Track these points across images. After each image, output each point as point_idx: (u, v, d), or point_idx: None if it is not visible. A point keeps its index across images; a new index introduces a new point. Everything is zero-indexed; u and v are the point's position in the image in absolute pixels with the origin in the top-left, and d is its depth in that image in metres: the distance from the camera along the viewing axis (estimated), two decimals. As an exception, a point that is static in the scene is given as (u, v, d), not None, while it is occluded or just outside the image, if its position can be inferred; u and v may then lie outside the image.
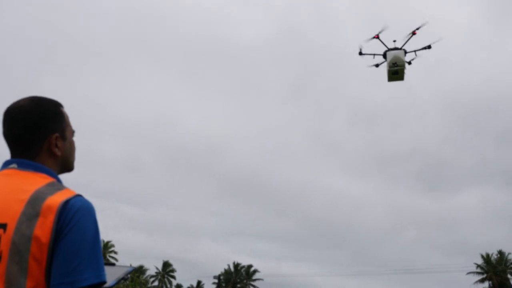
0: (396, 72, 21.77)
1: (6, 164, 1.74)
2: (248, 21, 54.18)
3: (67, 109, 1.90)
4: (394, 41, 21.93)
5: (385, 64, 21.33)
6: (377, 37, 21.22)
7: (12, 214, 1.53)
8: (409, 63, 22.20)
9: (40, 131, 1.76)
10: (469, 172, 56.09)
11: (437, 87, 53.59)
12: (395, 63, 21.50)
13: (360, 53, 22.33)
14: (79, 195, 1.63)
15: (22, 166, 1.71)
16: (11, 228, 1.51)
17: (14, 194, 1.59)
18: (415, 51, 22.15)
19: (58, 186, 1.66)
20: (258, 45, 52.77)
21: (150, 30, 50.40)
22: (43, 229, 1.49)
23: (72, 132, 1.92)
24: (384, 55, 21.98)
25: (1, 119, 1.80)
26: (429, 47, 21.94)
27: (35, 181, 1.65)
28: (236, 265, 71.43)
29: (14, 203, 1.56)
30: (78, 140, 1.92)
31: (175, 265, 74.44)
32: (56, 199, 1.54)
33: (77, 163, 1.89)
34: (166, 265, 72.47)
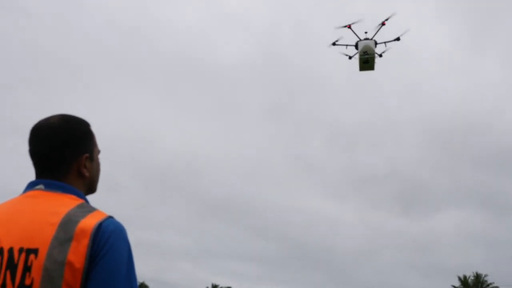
0: (366, 61, 22.82)
1: (32, 185, 1.67)
2: (228, 41, 55.10)
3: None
4: (366, 32, 23.10)
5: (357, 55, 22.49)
6: (349, 27, 22.37)
7: (43, 239, 1.46)
8: (380, 55, 23.36)
9: (71, 151, 1.70)
10: (445, 194, 57.03)
11: (413, 110, 55.06)
12: (366, 51, 22.62)
13: (334, 44, 23.32)
14: (110, 217, 1.58)
15: (49, 187, 1.64)
16: (42, 253, 1.43)
17: (43, 217, 1.52)
18: (385, 42, 23.33)
19: (89, 207, 1.61)
20: (238, 65, 53.58)
21: (129, 48, 50.89)
22: (76, 254, 1.44)
23: (99, 152, 1.87)
24: (356, 46, 23.05)
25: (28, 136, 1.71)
26: (398, 39, 23.09)
27: (65, 202, 1.59)
28: (215, 287, 70.26)
29: (45, 226, 1.49)
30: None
31: (151, 287, 72.88)
32: (89, 222, 1.49)
33: None
34: (142, 286, 70.86)
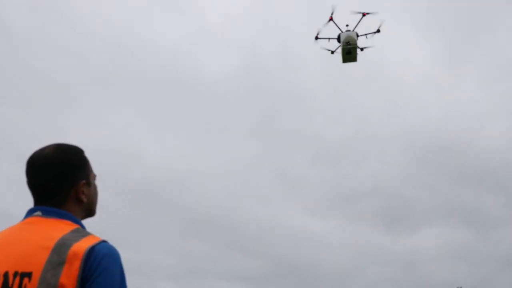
0: (349, 52, 23.60)
1: (31, 212, 1.71)
2: (211, 58, 55.60)
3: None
4: (347, 25, 24.00)
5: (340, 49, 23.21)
6: (331, 19, 23.06)
7: (37, 263, 1.49)
8: (362, 49, 24.27)
9: (67, 180, 1.73)
10: (428, 211, 57.49)
11: (396, 126, 55.95)
12: (348, 42, 23.43)
13: (316, 38, 24.19)
14: (104, 241, 1.61)
15: (46, 214, 1.68)
16: (36, 277, 1.46)
17: (38, 242, 1.55)
18: (366, 34, 24.24)
19: (83, 232, 1.64)
20: (221, 82, 53.98)
21: (112, 64, 51.02)
22: (69, 277, 1.46)
23: (95, 177, 1.91)
24: (338, 39, 23.89)
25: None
26: (378, 31, 24.07)
27: (60, 228, 1.62)
28: (197, 307, 68.70)
29: (39, 250, 1.52)
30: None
31: (131, 306, 71.01)
32: (81, 246, 1.52)
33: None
34: (122, 308, 68.99)
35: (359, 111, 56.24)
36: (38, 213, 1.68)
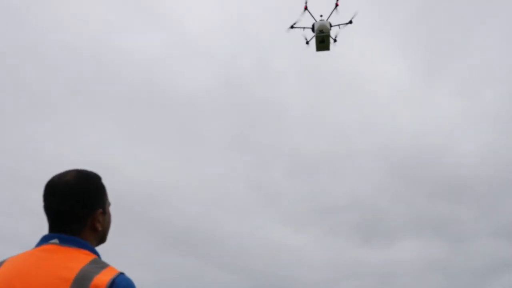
0: (322, 40, 24.38)
1: (47, 238, 1.70)
2: (189, 70, 55.82)
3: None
4: (321, 15, 24.79)
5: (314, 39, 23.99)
6: (305, 8, 23.85)
7: None
8: (335, 40, 25.02)
9: (86, 209, 1.76)
10: (404, 224, 57.98)
11: (372, 140, 56.79)
12: (322, 30, 24.23)
13: (292, 27, 24.89)
14: (122, 273, 1.63)
15: (64, 242, 1.68)
16: None
17: (57, 272, 1.55)
18: (338, 25, 24.95)
19: (102, 263, 1.66)
20: (199, 95, 54.11)
21: (88, 75, 50.60)
22: None
23: (109, 205, 1.94)
24: (313, 28, 24.69)
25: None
26: (350, 22, 24.85)
27: (79, 258, 1.62)
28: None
29: (59, 282, 1.52)
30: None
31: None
32: (102, 279, 1.54)
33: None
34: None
35: (336, 125, 56.98)
36: (55, 240, 1.67)
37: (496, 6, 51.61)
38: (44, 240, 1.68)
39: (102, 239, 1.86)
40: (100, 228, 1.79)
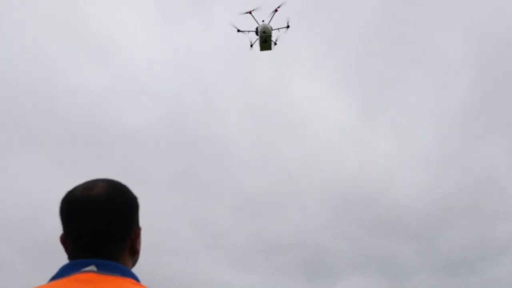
0: (265, 41, 26.63)
1: (80, 265, 1.40)
2: (131, 106, 55.54)
3: None
4: (263, 20, 27.16)
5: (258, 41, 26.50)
6: (250, 12, 25.64)
7: None
8: (275, 43, 27.21)
9: (125, 227, 1.49)
10: (347, 261, 58.64)
11: (315, 178, 58.29)
12: (264, 31, 26.50)
13: (238, 30, 26.88)
14: None
15: (103, 269, 1.38)
16: None
17: None
18: (278, 28, 27.24)
19: None
20: (143, 132, 53.70)
21: (26, 111, 48.76)
22: None
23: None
24: (256, 31, 26.91)
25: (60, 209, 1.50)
26: (288, 27, 27.09)
27: None
28: None
29: None
30: None
31: None
32: None
33: None
34: None
35: (280, 164, 58.03)
36: (92, 267, 1.37)
37: (429, 52, 56.40)
38: (76, 268, 1.36)
39: (135, 262, 1.57)
40: (139, 250, 1.52)
